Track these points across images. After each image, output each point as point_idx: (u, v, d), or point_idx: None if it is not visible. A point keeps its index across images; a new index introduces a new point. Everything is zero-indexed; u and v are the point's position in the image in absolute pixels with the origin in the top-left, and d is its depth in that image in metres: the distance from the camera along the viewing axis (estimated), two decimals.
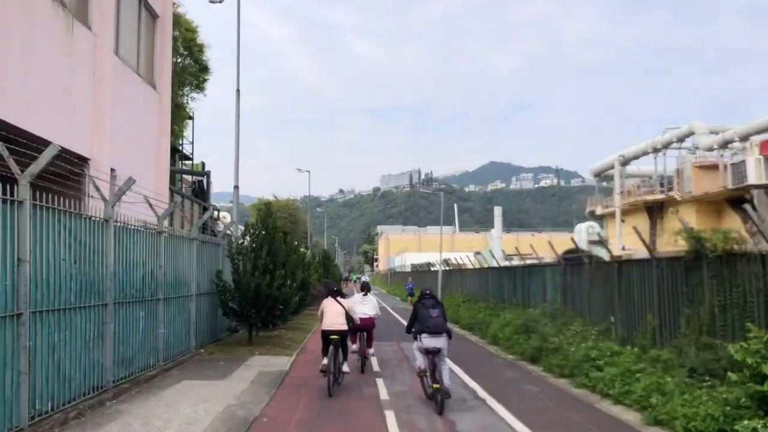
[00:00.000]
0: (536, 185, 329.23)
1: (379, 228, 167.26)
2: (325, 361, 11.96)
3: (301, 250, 23.29)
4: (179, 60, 36.93)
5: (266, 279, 16.95)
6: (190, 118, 38.74)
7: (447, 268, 38.32)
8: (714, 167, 48.18)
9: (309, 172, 66.03)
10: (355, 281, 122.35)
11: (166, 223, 14.79)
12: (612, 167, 61.79)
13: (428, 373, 10.96)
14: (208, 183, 25.33)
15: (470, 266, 33.45)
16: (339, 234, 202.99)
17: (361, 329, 14.29)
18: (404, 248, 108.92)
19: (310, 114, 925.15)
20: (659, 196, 51.98)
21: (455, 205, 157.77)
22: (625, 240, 54.23)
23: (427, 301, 11.10)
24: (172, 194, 21.21)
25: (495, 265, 28.39)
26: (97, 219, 10.87)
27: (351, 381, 13.42)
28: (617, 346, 13.06)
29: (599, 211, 65.78)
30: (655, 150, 53.14)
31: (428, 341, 10.71)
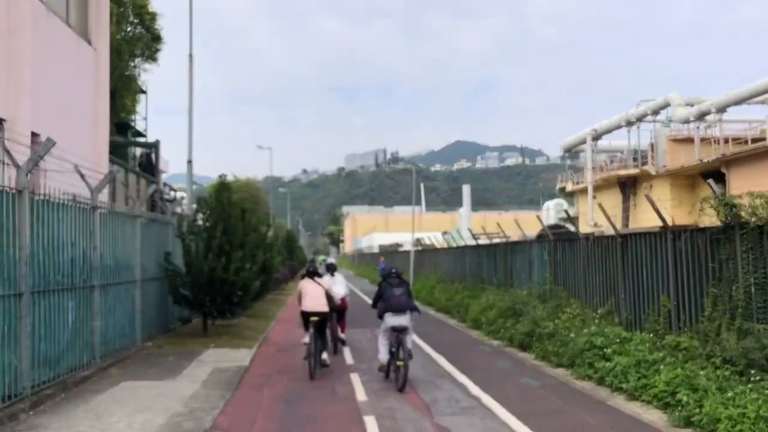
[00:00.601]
0: (501, 164, 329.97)
1: (345, 208, 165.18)
2: (307, 339, 11.67)
3: (263, 229, 21.28)
4: (129, 28, 34.58)
5: (222, 262, 14.99)
6: (143, 92, 36.43)
7: (419, 248, 36.62)
8: (689, 140, 47.22)
9: (270, 149, 63.24)
10: (320, 263, 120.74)
11: (103, 198, 12.72)
12: (583, 142, 60.62)
13: (389, 360, 10.99)
14: (157, 156, 22.97)
15: (441, 246, 31.82)
16: (303, 215, 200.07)
17: (335, 311, 13.54)
18: (372, 228, 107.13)
19: (272, 93, 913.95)
20: (633, 171, 50.88)
21: (422, 185, 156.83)
22: (597, 216, 53.26)
23: (393, 280, 11.11)
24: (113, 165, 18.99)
25: (463, 244, 27.11)
26: (7, 190, 8.81)
27: (322, 374, 11.61)
28: (625, 332, 11.42)
29: (570, 187, 64.70)
30: (629, 123, 51.96)
31: (392, 320, 10.76)
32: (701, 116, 43.68)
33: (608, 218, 13.41)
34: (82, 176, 11.63)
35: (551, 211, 74.53)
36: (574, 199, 67.68)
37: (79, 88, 14.98)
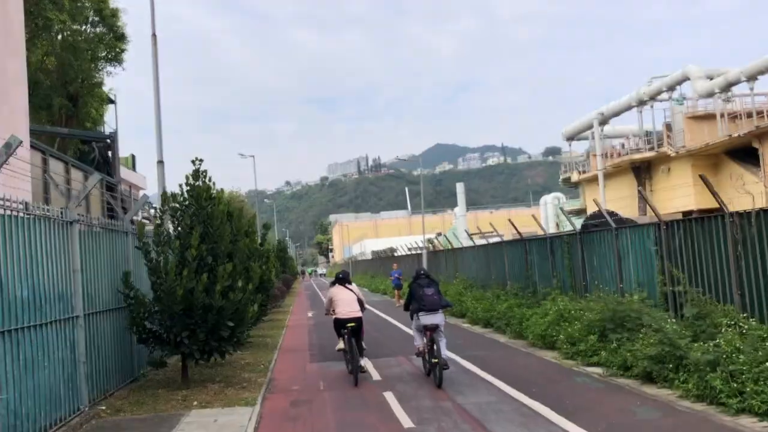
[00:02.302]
0: (483, 164, 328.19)
1: (332, 217, 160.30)
2: (341, 345, 11.97)
3: (258, 233, 16.78)
4: (87, 27, 30.61)
5: (203, 280, 10.46)
6: (112, 101, 32.21)
7: (431, 250, 32.23)
8: (709, 117, 43.24)
9: (253, 157, 58.90)
10: (310, 274, 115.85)
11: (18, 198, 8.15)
12: (588, 128, 56.58)
13: (426, 351, 11.12)
14: (114, 152, 18.27)
15: (458, 245, 27.50)
16: (289, 227, 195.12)
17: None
18: (362, 235, 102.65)
19: (251, 108, 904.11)
20: (648, 154, 46.73)
21: (406, 189, 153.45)
22: (610, 206, 49.08)
23: (422, 280, 11.23)
24: (47, 158, 14.26)
25: (465, 245, 25.98)
26: None
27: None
28: None
29: (575, 177, 60.48)
30: (641, 103, 47.81)
31: (426, 318, 10.87)
32: (728, 87, 39.61)
33: (714, 194, 9.10)
34: None
35: (549, 206, 70.72)
36: (580, 190, 63.55)
37: None
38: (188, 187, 11.56)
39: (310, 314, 26.36)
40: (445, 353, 10.81)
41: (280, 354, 15.79)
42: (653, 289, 11.75)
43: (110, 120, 31.97)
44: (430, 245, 32.66)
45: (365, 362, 12.96)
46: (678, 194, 44.28)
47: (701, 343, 8.93)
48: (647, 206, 47.58)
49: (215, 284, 10.64)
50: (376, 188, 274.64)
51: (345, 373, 12.37)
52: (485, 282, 21.99)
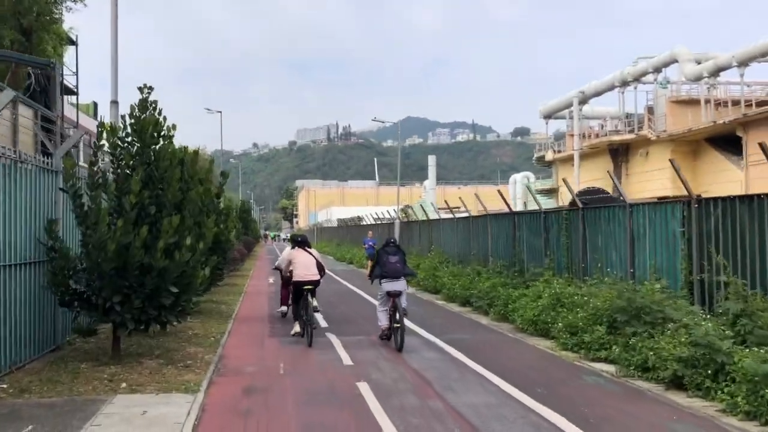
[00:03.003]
0: (453, 140, 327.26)
1: (299, 182, 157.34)
2: (298, 328, 11.98)
3: (214, 184, 14.74)
4: None
5: (142, 234, 8.48)
6: (73, 43, 29.57)
7: (404, 220, 30.45)
8: (693, 102, 42.02)
9: (220, 112, 56.16)
10: (273, 238, 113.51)
11: None
12: (567, 106, 55.15)
13: (388, 326, 11.37)
14: (54, 82, 15.77)
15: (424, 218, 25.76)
16: (254, 190, 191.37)
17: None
18: (329, 202, 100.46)
19: (222, 65, 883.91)
20: (627, 137, 45.46)
21: (375, 160, 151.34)
22: (584, 187, 47.80)
23: (390, 248, 11.58)
24: None
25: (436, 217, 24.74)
26: None
27: None
28: None
29: (549, 156, 59.20)
30: (624, 83, 46.42)
31: (388, 285, 11.26)
32: (717, 72, 38.35)
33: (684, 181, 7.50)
34: None
35: (518, 185, 69.60)
36: (553, 170, 62.27)
37: None
38: (132, 120, 9.47)
39: (271, 280, 24.43)
40: (405, 305, 11.39)
41: (234, 324, 13.87)
42: (675, 277, 10.13)
43: (71, 63, 29.30)
44: (403, 215, 30.84)
45: (333, 339, 11.64)
46: (654, 178, 43.14)
47: (755, 348, 7.29)
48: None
49: (158, 240, 8.66)
50: (344, 156, 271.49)
51: (310, 354, 10.60)
52: (464, 258, 20.30)
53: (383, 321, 11.50)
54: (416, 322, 13.56)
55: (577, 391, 8.20)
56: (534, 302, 12.54)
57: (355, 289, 21.86)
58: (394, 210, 40.11)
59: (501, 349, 11.11)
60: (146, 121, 9.29)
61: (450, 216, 22.34)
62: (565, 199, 48.68)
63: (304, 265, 11.90)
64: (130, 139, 9.41)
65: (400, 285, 11.22)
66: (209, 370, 9.07)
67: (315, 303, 12.24)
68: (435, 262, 21.36)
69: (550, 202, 55.42)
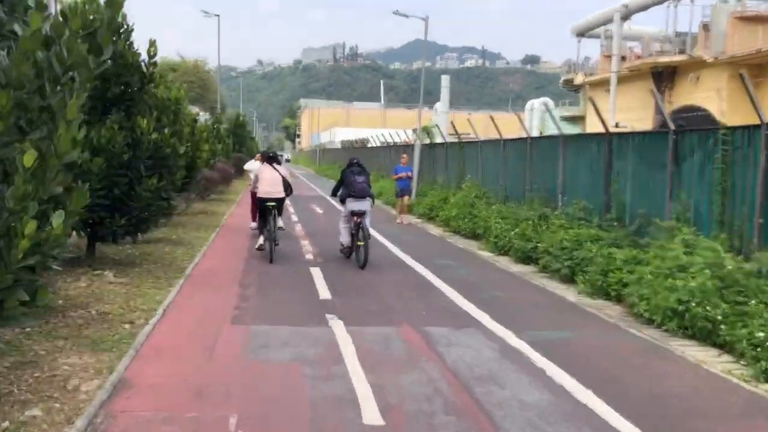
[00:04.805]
0: (461, 65, 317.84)
1: (303, 101, 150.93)
2: (261, 240, 12.02)
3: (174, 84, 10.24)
4: None
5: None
6: None
7: (426, 143, 25.64)
8: (762, 20, 36.50)
9: (218, 16, 50.10)
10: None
11: None
12: (605, 22, 49.21)
13: (351, 243, 11.65)
14: None
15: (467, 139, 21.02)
16: (258, 108, 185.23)
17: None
18: (333, 123, 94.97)
19: None
20: (677, 58, 39.97)
21: (381, 82, 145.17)
22: (618, 117, 42.74)
23: (355, 168, 11.70)
24: None
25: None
26: None
27: None
28: None
29: (579, 80, 53.69)
30: None
31: (354, 204, 11.47)
32: None
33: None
34: None
35: (536, 112, 63.92)
36: (580, 95, 56.89)
37: None
38: None
39: None
40: (369, 229, 11.45)
41: (184, 285, 9.27)
42: None
43: None
44: (425, 135, 26.04)
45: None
46: (702, 105, 38.09)
47: None
48: (663, 118, 40.69)
49: None
50: (350, 78, 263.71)
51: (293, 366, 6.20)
52: (513, 194, 15.59)
53: (345, 237, 11.80)
54: (471, 298, 9.11)
55: None
56: (667, 280, 7.80)
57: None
58: (404, 132, 35.28)
59: (646, 372, 6.58)
60: None
61: (495, 137, 17.53)
62: (592, 127, 43.60)
63: (269, 182, 11.82)
64: None
65: (365, 205, 11.48)
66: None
67: (280, 223, 12.44)
68: (471, 196, 16.67)
69: (574, 131, 50.53)
